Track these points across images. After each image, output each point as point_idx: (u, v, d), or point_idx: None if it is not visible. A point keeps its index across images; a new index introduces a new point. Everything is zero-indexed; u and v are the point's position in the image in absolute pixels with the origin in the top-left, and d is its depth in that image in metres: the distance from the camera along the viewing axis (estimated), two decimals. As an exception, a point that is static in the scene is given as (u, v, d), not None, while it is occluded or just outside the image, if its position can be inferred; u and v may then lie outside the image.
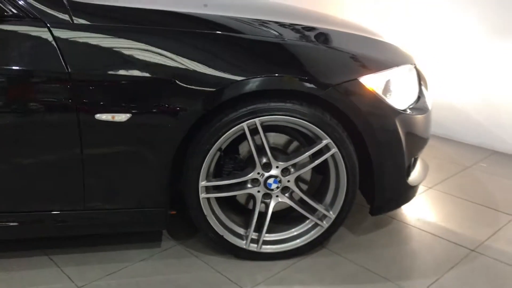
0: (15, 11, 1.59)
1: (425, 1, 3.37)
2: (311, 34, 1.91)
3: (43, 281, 1.81)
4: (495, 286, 1.83)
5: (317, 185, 2.06)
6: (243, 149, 1.91)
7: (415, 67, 2.12)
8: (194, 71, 1.65)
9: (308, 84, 1.72)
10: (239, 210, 2.02)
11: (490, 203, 2.49)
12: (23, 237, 1.91)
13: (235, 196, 1.94)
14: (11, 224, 1.74)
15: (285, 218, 1.99)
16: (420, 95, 2.10)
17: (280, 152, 1.91)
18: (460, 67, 3.30)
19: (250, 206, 2.01)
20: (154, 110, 1.66)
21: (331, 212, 1.91)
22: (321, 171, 1.98)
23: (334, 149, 1.80)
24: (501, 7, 3.02)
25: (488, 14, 3.09)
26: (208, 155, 1.75)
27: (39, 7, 1.61)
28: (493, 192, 2.64)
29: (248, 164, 1.88)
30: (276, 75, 1.71)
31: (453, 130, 3.38)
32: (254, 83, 1.69)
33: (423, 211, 2.38)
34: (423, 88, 2.17)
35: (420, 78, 2.16)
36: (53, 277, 1.84)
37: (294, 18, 2.12)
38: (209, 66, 1.66)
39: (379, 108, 1.82)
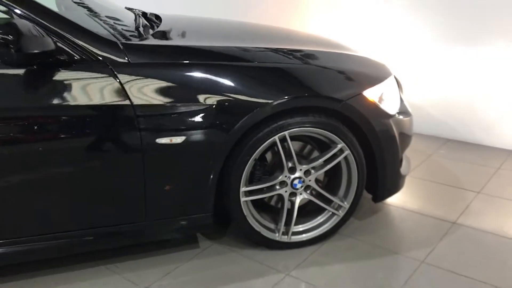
0: (82, 56, 1.85)
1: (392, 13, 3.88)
2: (323, 58, 2.29)
3: (96, 285, 2.07)
4: (479, 250, 2.31)
5: (325, 181, 2.45)
6: (269, 156, 2.26)
7: (394, 76, 2.57)
8: (236, 97, 1.98)
9: (326, 101, 2.11)
10: (265, 208, 2.37)
11: (457, 183, 3.01)
12: (95, 249, 2.15)
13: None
14: (88, 238, 1.99)
15: (302, 212, 2.36)
16: (400, 101, 2.55)
17: (299, 157, 2.27)
18: (417, 68, 3.82)
19: (272, 202, 2.37)
20: (205, 132, 1.97)
21: (345, 203, 2.31)
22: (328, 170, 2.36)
23: (347, 151, 2.20)
24: (452, 17, 3.56)
25: (443, 24, 3.63)
26: (247, 165, 2.09)
27: (99, 52, 1.87)
28: (456, 173, 3.17)
29: (274, 169, 2.24)
30: (300, 96, 2.08)
31: (411, 123, 3.90)
32: (282, 104, 2.05)
33: (406, 195, 2.84)
34: (400, 93, 2.62)
35: (398, 85, 2.61)
36: (117, 283, 2.09)
37: (304, 44, 2.50)
38: (247, 93, 2.00)
39: (378, 114, 2.24)
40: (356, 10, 4.04)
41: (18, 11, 1.76)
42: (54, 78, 1.81)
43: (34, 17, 1.77)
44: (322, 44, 2.64)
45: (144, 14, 2.71)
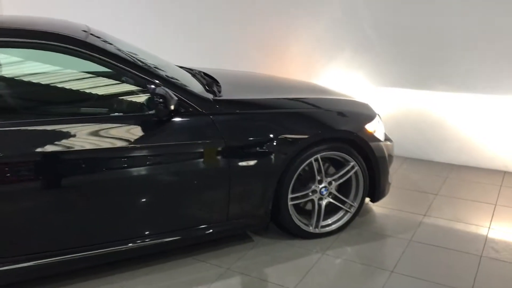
0: (191, 109, 2.75)
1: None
2: (338, 104, 3.34)
3: (200, 270, 2.90)
4: (445, 230, 3.39)
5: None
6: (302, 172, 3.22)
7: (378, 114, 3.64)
8: (286, 134, 2.95)
9: (345, 133, 3.13)
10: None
11: (420, 188, 4.12)
12: (191, 243, 3.00)
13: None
14: (192, 234, 2.86)
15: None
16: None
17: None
18: (384, 104, 4.96)
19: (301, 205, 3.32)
20: (269, 157, 2.91)
21: (355, 203, 3.32)
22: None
23: (357, 167, 3.22)
24: (401, 65, 4.76)
25: (394, 70, 4.81)
26: (293, 178, 3.05)
27: (201, 107, 2.77)
28: (417, 182, 4.29)
29: (307, 181, 3.20)
30: (327, 130, 3.09)
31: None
32: (316, 136, 3.04)
33: (387, 198, 3.86)
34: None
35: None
36: (205, 267, 2.94)
37: (321, 94, 3.52)
38: (293, 130, 2.98)
39: (375, 140, 3.29)
40: (329, 60, 5.16)
41: (157, 83, 2.66)
42: (179, 124, 2.70)
43: (168, 88, 2.66)
44: (335, 93, 3.68)
45: (199, 72, 3.61)
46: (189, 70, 3.60)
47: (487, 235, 3.32)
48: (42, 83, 2.83)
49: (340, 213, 3.34)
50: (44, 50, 2.49)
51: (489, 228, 3.43)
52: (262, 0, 5.41)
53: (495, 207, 3.77)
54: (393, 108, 4.93)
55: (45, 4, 6.72)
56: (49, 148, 2.42)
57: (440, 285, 2.75)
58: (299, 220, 3.19)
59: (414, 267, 2.94)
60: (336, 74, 5.16)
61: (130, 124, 2.61)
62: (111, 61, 2.60)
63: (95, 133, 2.53)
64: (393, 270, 2.91)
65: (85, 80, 2.81)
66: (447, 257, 3.05)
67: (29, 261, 2.52)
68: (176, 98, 2.63)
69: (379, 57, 4.90)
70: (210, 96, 2.95)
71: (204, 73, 3.60)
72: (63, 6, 6.53)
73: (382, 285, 2.75)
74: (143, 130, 2.62)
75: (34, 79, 2.81)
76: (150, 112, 2.63)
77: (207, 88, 3.17)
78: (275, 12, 5.37)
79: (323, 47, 5.19)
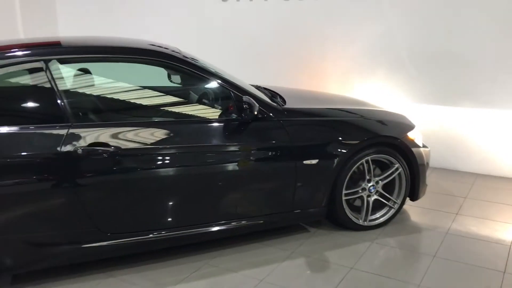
0: (265, 116, 3.29)
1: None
2: (384, 115, 3.86)
3: (268, 253, 3.40)
4: (476, 226, 3.88)
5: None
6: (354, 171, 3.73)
7: (414, 124, 4.16)
8: (342, 139, 3.48)
9: (391, 139, 3.66)
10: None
11: (449, 192, 4.62)
12: (261, 229, 3.52)
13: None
14: (260, 222, 3.39)
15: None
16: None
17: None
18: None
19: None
20: (328, 156, 3.44)
21: (398, 200, 3.82)
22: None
23: (401, 169, 3.73)
24: (429, 82, 5.29)
25: (422, 86, 5.35)
26: (347, 177, 3.57)
27: (273, 114, 3.32)
28: (448, 187, 4.78)
29: (357, 180, 3.72)
30: (376, 136, 3.62)
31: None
32: (367, 141, 3.57)
33: (421, 200, 4.35)
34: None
35: (416, 128, 4.20)
36: (272, 251, 3.43)
37: (371, 106, 4.06)
38: (347, 136, 3.50)
39: (415, 146, 3.80)
40: (363, 78, 5.72)
41: (241, 93, 3.22)
42: (259, 127, 3.25)
43: (251, 98, 3.20)
44: (378, 106, 4.20)
45: (260, 87, 4.16)
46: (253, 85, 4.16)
47: (514, 230, 3.81)
48: (159, 94, 3.45)
49: (385, 209, 3.84)
50: (153, 65, 3.08)
51: (515, 225, 3.92)
52: (302, 23, 6.00)
53: (519, 208, 4.26)
54: (421, 123, 5.43)
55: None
56: (165, 143, 3.02)
57: (477, 267, 3.23)
58: (351, 214, 3.70)
59: (453, 253, 3.42)
60: (370, 91, 5.71)
61: (220, 126, 3.17)
62: (205, 75, 3.19)
63: (195, 133, 3.09)
64: (435, 255, 3.39)
65: (181, 93, 3.43)
66: (480, 246, 3.53)
67: (132, 237, 3.04)
68: (257, 105, 3.17)
69: (409, 76, 5.44)
70: (276, 105, 3.49)
71: (264, 88, 4.16)
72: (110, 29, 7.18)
73: (427, 266, 3.24)
74: (230, 131, 3.18)
75: (150, 91, 3.47)
76: (229, 117, 3.22)
77: (272, 99, 3.72)
78: (314, 33, 5.96)
79: (357, 66, 5.75)
